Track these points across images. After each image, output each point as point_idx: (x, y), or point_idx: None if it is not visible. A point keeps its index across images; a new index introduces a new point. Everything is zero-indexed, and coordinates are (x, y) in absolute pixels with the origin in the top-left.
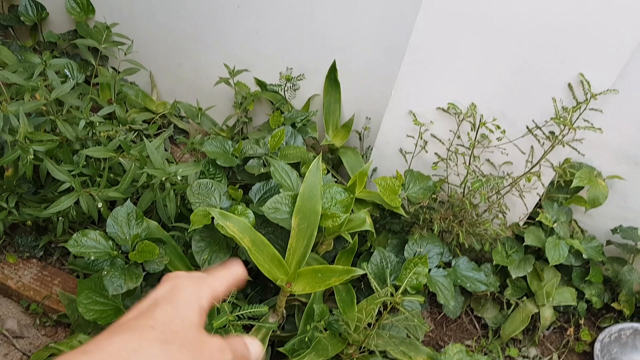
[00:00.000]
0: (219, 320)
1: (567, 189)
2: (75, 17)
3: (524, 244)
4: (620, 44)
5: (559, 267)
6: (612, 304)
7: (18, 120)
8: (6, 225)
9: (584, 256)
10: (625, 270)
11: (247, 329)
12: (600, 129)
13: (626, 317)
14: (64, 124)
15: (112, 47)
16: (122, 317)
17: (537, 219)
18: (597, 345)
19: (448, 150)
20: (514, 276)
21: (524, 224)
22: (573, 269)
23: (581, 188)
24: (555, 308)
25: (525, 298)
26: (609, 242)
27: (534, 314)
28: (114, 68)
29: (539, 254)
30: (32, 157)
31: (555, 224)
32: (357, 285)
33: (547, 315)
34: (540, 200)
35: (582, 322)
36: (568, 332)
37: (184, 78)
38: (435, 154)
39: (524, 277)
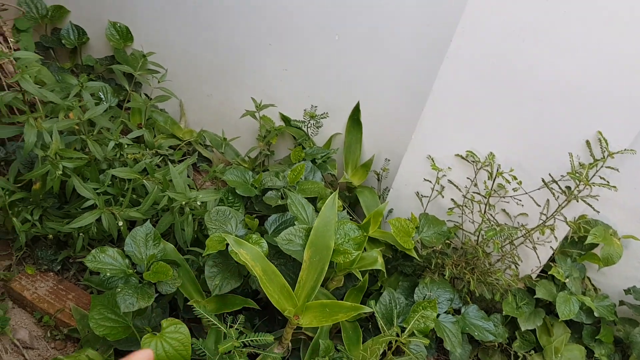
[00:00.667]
0: (225, 345)
1: (581, 245)
2: (113, 44)
3: (535, 296)
4: (637, 105)
5: (570, 324)
6: None
7: (51, 136)
8: (28, 237)
9: (595, 314)
10: (637, 332)
11: (252, 357)
12: (615, 186)
13: None
14: (94, 144)
15: (146, 75)
16: None
17: (549, 272)
18: None
19: (464, 197)
20: (523, 329)
21: (536, 277)
22: (584, 327)
23: (596, 245)
24: None
25: (533, 352)
26: (622, 303)
27: None
28: (146, 95)
29: (549, 308)
30: (60, 172)
31: (567, 279)
32: (365, 325)
33: None
34: (553, 254)
35: None
36: None
37: (212, 109)
38: (452, 200)
39: (533, 331)
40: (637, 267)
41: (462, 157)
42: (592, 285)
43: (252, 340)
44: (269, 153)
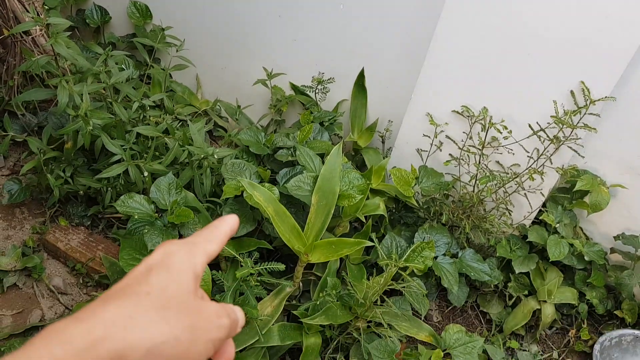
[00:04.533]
0: (242, 271)
1: (571, 193)
2: (134, 21)
3: (527, 240)
4: (616, 55)
5: (563, 270)
6: (615, 312)
7: (81, 98)
8: (61, 194)
9: (586, 258)
10: (625, 275)
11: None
12: (595, 129)
13: (628, 325)
14: (119, 106)
15: (165, 49)
16: (116, 284)
17: (540, 218)
18: (596, 347)
19: (461, 149)
20: (517, 271)
21: (530, 225)
22: (576, 272)
23: (585, 193)
24: (558, 310)
25: (528, 295)
26: (612, 250)
27: (536, 310)
28: (164, 70)
29: (543, 255)
30: (91, 127)
31: (558, 225)
32: (369, 270)
33: (549, 312)
34: (545, 202)
35: (584, 326)
36: (570, 333)
37: (226, 81)
38: (450, 155)
39: (527, 275)
40: (626, 215)
41: (458, 113)
42: (584, 234)
43: (265, 269)
44: (280, 119)
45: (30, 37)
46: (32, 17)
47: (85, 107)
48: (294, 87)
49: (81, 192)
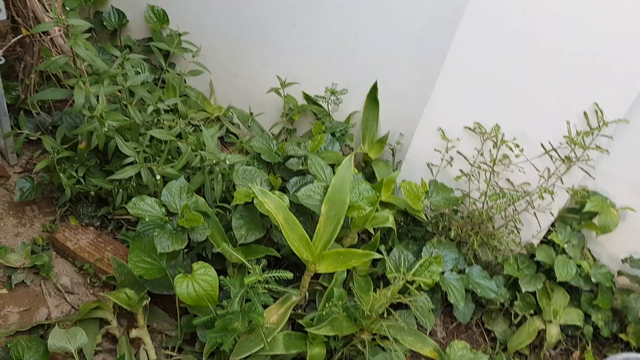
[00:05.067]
0: (250, 278)
1: (580, 214)
2: (151, 26)
3: (535, 259)
4: (630, 78)
5: (570, 291)
6: (620, 335)
7: (97, 100)
8: (73, 194)
9: (593, 280)
10: (632, 298)
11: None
12: (607, 150)
13: (633, 348)
14: (134, 109)
15: (180, 55)
16: None
17: (549, 237)
18: None
19: (472, 165)
20: (523, 290)
21: (538, 244)
22: (582, 293)
23: (594, 214)
24: (563, 331)
25: (534, 315)
26: (620, 273)
27: (541, 330)
28: (179, 75)
29: (550, 274)
30: (106, 129)
31: (566, 245)
32: (376, 284)
33: (554, 332)
34: (554, 222)
35: (588, 348)
36: (574, 355)
37: (239, 87)
38: (460, 170)
39: (534, 294)
40: (634, 238)
41: (470, 129)
42: (592, 256)
43: (272, 277)
44: (291, 128)
45: (48, 37)
46: (52, 18)
47: (101, 109)
48: (306, 96)
49: (92, 192)
